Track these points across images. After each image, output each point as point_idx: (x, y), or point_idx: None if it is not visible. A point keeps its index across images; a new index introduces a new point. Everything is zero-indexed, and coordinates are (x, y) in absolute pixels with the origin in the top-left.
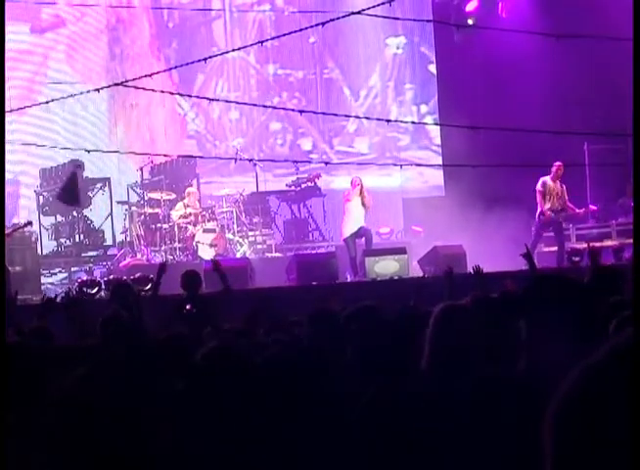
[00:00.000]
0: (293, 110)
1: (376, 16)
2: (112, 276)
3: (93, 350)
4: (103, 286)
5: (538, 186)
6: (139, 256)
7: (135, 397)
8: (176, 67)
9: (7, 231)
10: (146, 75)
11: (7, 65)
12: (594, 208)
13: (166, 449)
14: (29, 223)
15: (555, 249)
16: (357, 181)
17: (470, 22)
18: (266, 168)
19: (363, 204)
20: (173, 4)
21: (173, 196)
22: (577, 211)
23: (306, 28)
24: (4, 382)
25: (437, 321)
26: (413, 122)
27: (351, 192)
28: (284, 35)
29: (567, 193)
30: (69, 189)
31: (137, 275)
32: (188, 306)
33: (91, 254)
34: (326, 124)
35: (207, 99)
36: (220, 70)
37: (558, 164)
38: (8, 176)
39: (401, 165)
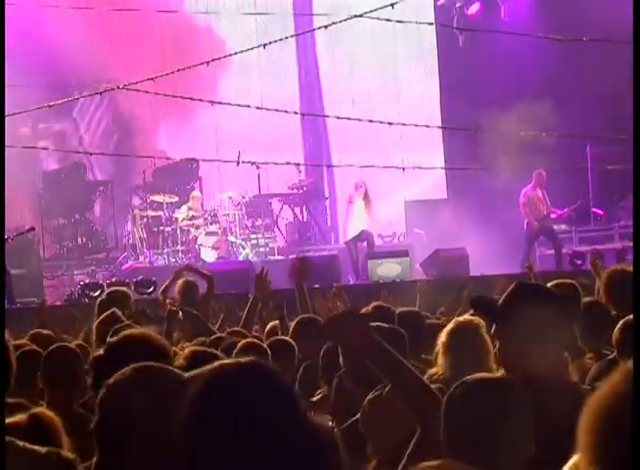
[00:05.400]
0: (295, 112)
1: (378, 18)
2: (114, 279)
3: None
4: (105, 289)
5: (521, 199)
6: (141, 258)
7: None
8: (179, 70)
9: (10, 236)
10: (148, 79)
11: None
12: (600, 212)
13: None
14: (32, 229)
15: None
16: (361, 184)
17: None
18: (268, 170)
19: (366, 207)
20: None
21: (176, 198)
22: (560, 212)
23: (309, 31)
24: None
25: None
26: (415, 125)
27: (355, 195)
28: (286, 38)
29: (548, 197)
30: None
31: (139, 278)
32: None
33: (93, 256)
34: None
35: (210, 102)
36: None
37: (538, 171)
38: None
39: (404, 168)
